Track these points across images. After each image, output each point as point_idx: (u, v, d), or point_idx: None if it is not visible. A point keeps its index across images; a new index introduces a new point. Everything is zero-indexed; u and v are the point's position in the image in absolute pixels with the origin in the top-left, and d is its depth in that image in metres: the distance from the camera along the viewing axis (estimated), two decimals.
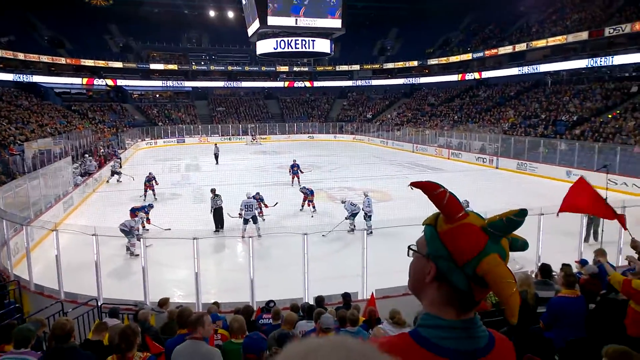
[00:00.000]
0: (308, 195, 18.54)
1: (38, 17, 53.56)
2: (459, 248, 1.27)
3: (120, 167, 27.54)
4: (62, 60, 52.49)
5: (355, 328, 5.97)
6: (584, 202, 8.48)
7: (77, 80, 54.70)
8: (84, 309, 9.29)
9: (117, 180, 26.77)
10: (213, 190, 16.46)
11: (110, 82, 56.64)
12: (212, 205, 16.23)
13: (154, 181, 21.52)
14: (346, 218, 15.81)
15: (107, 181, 26.92)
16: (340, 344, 0.57)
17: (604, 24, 37.17)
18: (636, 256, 6.23)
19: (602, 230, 11.94)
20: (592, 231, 13.66)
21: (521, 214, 1.26)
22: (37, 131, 37.99)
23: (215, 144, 36.78)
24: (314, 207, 18.50)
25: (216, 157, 34.81)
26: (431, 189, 1.33)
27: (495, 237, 1.27)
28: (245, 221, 15.34)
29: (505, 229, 1.27)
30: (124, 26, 59.75)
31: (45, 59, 50.79)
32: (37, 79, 50.24)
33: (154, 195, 21.34)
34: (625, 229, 7.32)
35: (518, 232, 1.41)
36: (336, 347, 0.56)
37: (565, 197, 9.01)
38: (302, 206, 18.80)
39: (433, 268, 1.31)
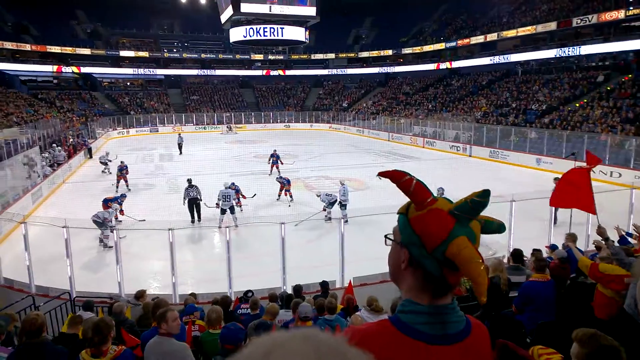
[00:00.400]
0: (285, 184, 18.50)
1: (1, 2, 51.89)
2: (427, 233, 1.30)
3: (108, 158, 26.46)
4: (27, 47, 51.04)
5: (333, 316, 6.02)
6: (575, 195, 8.64)
7: (46, 68, 53.21)
8: (56, 302, 9.12)
9: (102, 171, 25.71)
10: (189, 181, 16.27)
11: (75, 69, 54.99)
12: (185, 195, 16.02)
13: (125, 170, 21.13)
14: (324, 208, 15.85)
15: (103, 172, 25.85)
16: (308, 337, 0.56)
17: (572, 15, 37.87)
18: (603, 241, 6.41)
19: (571, 216, 12.21)
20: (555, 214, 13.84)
21: (484, 195, 1.28)
22: (3, 120, 37.06)
23: (179, 134, 35.48)
24: (291, 196, 18.48)
25: (180, 147, 33.92)
26: (398, 177, 1.36)
27: (463, 220, 1.28)
28: (223, 211, 15.24)
29: (470, 211, 1.29)
30: (92, 11, 58.01)
31: (9, 45, 49.30)
32: (1, 66, 48.90)
33: (127, 185, 20.99)
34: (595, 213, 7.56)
35: (494, 216, 1.45)
36: (304, 340, 0.55)
37: (559, 186, 9.12)
38: (279, 196, 18.76)
39: (406, 255, 1.35)
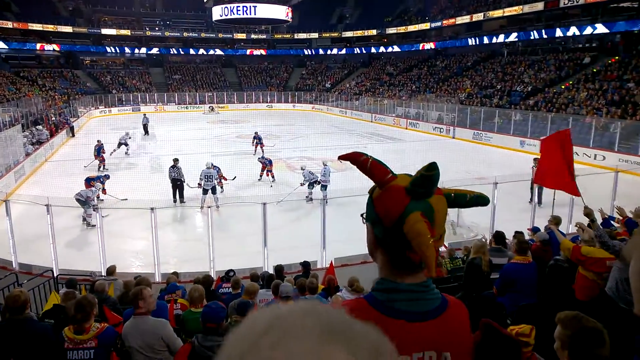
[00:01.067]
0: (267, 165, 18.45)
1: None
2: (384, 210, 1.31)
3: (129, 138, 26.17)
4: (9, 24, 50.05)
5: (314, 296, 6.06)
6: (558, 175, 8.57)
7: (28, 46, 52.36)
8: (39, 280, 9.12)
9: (126, 153, 25.22)
10: (175, 160, 16.10)
11: (55, 47, 54.30)
12: (170, 174, 15.93)
13: (102, 150, 20.92)
14: (301, 184, 15.87)
15: (126, 153, 25.29)
16: (310, 309, 0.54)
17: None
18: (586, 223, 6.48)
19: (554, 199, 12.34)
20: (537, 194, 13.99)
21: (430, 168, 1.27)
22: None
23: (145, 114, 33.93)
24: (273, 176, 18.45)
25: (145, 127, 32.57)
26: (356, 158, 1.37)
27: (418, 196, 1.28)
28: (205, 191, 15.18)
29: (421, 185, 1.28)
30: None
31: None
32: None
33: (104, 166, 20.77)
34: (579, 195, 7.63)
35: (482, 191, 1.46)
36: (306, 313, 0.53)
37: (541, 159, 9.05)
38: (261, 176, 18.71)
39: (371, 233, 1.38)
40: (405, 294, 1.32)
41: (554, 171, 8.70)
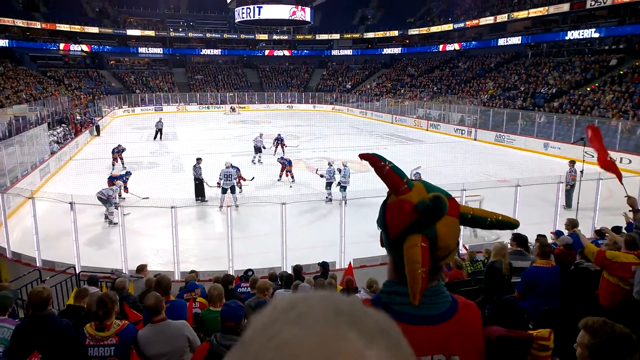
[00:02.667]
0: (286, 165, 18.47)
1: None
2: (390, 222, 1.31)
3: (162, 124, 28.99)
4: (38, 25, 51.02)
5: None
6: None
7: (53, 46, 53.28)
8: (61, 276, 9.26)
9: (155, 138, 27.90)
10: (198, 160, 16.23)
11: (86, 47, 55.28)
12: (194, 174, 16.05)
13: (117, 149, 21.11)
14: (321, 175, 15.99)
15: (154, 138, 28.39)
16: (327, 295, 0.60)
17: None
18: (630, 215, 6.32)
19: (578, 202, 12.16)
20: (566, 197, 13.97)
21: (436, 201, 1.24)
22: (12, 97, 37.16)
23: (160, 119, 31.56)
24: (292, 177, 18.47)
25: (159, 132, 30.69)
26: (375, 161, 1.36)
27: (425, 217, 1.26)
28: (224, 190, 15.25)
29: (426, 214, 1.26)
30: None
31: (20, 23, 49.34)
32: (12, 43, 48.97)
33: (123, 165, 20.92)
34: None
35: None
36: (323, 298, 0.59)
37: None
38: (280, 176, 18.75)
39: (381, 237, 1.38)
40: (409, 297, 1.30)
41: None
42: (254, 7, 37.15)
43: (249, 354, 0.52)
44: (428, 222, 1.26)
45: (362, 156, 1.42)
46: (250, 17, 37.68)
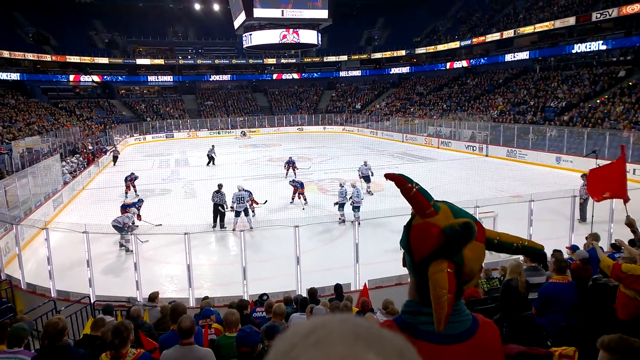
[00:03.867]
0: (298, 187, 18.48)
1: (22, 14, 52.96)
2: (415, 245, 1.31)
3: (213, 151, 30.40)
4: (48, 58, 51.97)
5: None
6: (608, 183, 8.50)
7: (63, 78, 54.15)
8: (76, 306, 9.24)
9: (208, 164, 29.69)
10: (219, 186, 16.20)
11: (96, 78, 56.13)
12: (213, 199, 16.01)
13: (130, 177, 21.12)
14: (335, 203, 15.87)
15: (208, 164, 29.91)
16: (346, 319, 0.62)
17: (591, 9, 37.27)
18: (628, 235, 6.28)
19: (593, 216, 12.01)
20: (580, 211, 13.95)
21: (466, 227, 1.25)
22: (25, 129, 37.72)
23: (213, 145, 31.80)
24: (305, 199, 18.47)
25: (210, 158, 30.88)
26: (402, 183, 1.35)
27: (452, 243, 1.26)
28: (237, 214, 15.28)
29: (455, 240, 1.26)
30: (109, 21, 59.40)
31: (30, 56, 50.27)
32: (23, 76, 49.78)
33: (135, 192, 21.00)
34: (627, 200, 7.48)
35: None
36: (343, 322, 0.61)
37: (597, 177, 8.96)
38: (292, 199, 18.75)
39: (403, 257, 1.39)
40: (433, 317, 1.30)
41: (605, 180, 8.59)
42: (260, 32, 37.52)
43: None
44: (456, 248, 1.26)
45: (388, 176, 1.41)
46: (257, 42, 38.03)
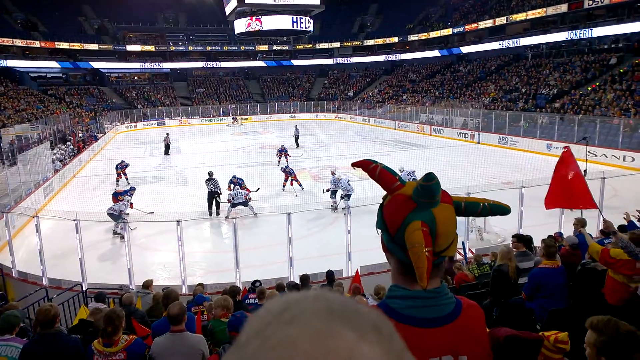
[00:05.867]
0: (291, 174, 18.47)
1: (11, 0, 52.22)
2: (389, 218, 1.34)
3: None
4: (37, 44, 51.24)
5: None
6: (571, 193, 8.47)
7: (53, 64, 53.46)
8: (69, 294, 9.26)
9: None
10: (210, 174, 16.19)
11: (84, 64, 55.39)
12: (207, 187, 16.01)
13: (125, 169, 21.00)
14: (327, 190, 15.95)
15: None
16: (320, 295, 0.61)
17: None
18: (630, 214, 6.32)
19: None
20: None
21: (428, 178, 1.29)
22: (14, 117, 37.39)
23: (167, 134, 31.21)
24: (300, 184, 18.49)
25: (168, 147, 30.13)
26: (366, 165, 1.43)
27: (422, 205, 1.30)
28: (234, 205, 15.28)
29: (421, 195, 1.29)
30: (99, 7, 58.59)
31: (19, 42, 49.54)
32: (11, 63, 49.15)
33: (127, 180, 20.89)
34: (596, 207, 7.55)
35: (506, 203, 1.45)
36: (317, 298, 0.60)
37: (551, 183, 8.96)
38: (284, 186, 18.76)
39: (381, 239, 1.41)
40: (416, 301, 1.33)
41: (565, 191, 8.60)
42: (253, 18, 37.26)
43: (245, 356, 0.53)
44: (425, 204, 1.30)
45: (355, 164, 1.48)
46: (250, 28, 37.77)
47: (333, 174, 16.08)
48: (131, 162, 21.95)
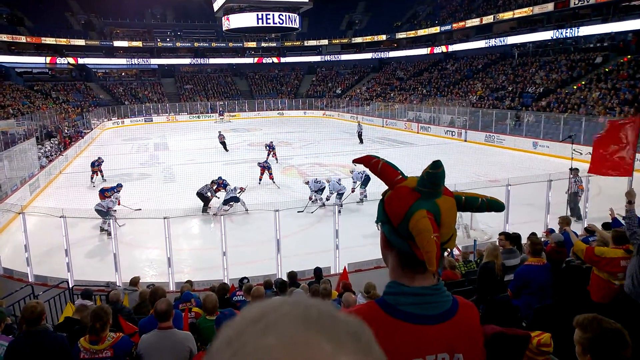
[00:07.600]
0: (267, 169, 18.88)
1: None
2: (392, 210, 1.34)
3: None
4: (23, 39, 50.68)
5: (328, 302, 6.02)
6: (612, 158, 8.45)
7: (39, 60, 52.78)
8: (55, 291, 9.17)
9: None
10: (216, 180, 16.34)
11: (72, 60, 54.79)
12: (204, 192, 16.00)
13: (97, 162, 20.68)
14: (310, 197, 15.95)
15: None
16: (298, 302, 0.59)
17: None
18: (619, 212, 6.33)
19: (587, 209, 12.17)
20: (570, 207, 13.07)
21: (435, 165, 1.31)
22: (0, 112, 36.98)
23: (220, 132, 30.33)
24: (272, 180, 18.93)
25: (224, 144, 29.31)
26: (368, 161, 1.45)
27: (426, 195, 1.31)
28: (226, 202, 15.28)
29: (427, 184, 1.31)
30: (85, 2, 58.03)
31: (4, 37, 48.97)
32: None
33: (102, 178, 20.69)
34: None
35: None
36: (294, 305, 0.58)
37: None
38: (260, 179, 19.07)
39: (382, 234, 1.40)
40: (415, 297, 1.33)
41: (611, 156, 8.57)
42: (241, 15, 37.15)
43: None
44: (429, 194, 1.31)
45: (356, 160, 1.49)
46: (237, 25, 37.66)
47: (328, 181, 16.04)
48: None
